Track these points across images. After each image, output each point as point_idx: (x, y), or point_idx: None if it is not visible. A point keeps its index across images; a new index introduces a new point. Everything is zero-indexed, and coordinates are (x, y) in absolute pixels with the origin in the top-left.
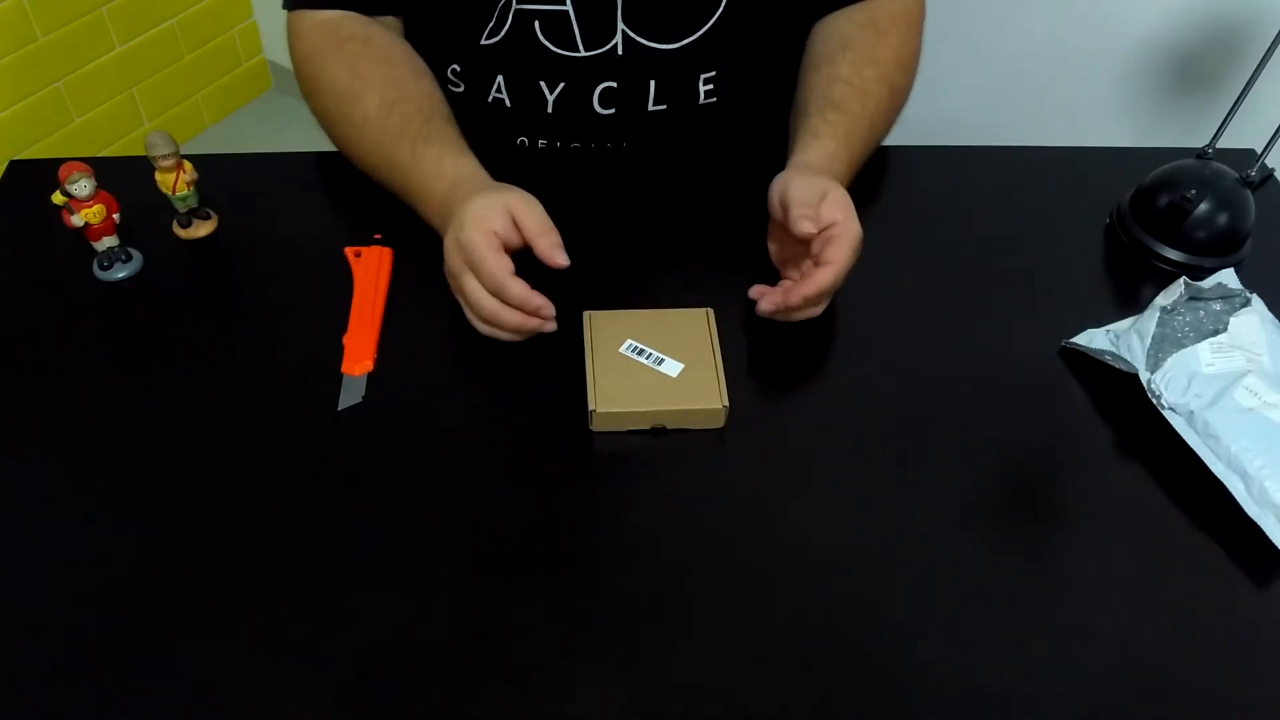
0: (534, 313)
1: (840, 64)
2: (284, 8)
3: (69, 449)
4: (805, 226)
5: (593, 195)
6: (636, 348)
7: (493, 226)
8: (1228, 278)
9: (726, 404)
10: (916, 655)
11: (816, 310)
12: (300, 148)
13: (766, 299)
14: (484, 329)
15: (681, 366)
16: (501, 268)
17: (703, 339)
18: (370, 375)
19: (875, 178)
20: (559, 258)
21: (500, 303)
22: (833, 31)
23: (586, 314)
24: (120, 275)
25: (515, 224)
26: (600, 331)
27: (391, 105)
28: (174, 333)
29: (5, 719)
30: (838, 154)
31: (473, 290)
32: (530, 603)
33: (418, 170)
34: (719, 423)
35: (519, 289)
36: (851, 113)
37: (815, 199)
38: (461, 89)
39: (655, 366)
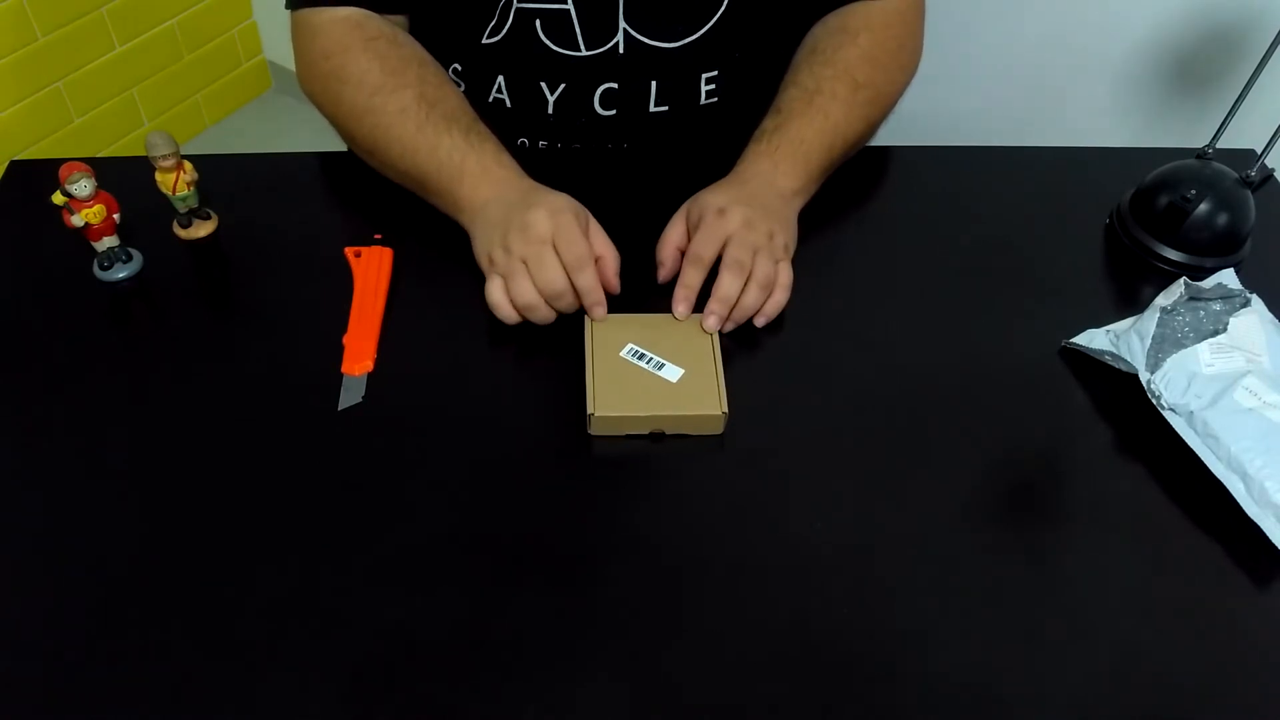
0: (591, 306)
1: (800, 70)
2: (287, 8)
3: (68, 449)
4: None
5: (593, 197)
6: (637, 352)
7: (582, 217)
8: (1228, 278)
9: (726, 410)
10: (916, 656)
11: (694, 275)
12: (300, 148)
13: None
14: (522, 303)
15: (682, 372)
16: (590, 251)
17: (703, 345)
18: (370, 375)
19: (875, 178)
20: (616, 283)
21: (568, 282)
22: (808, 39)
23: (587, 317)
24: (120, 275)
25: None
26: (601, 335)
27: (434, 102)
28: (174, 333)
29: (5, 718)
30: (771, 157)
31: (550, 264)
32: (529, 604)
33: (474, 152)
34: (718, 429)
35: (592, 276)
36: (793, 113)
37: (712, 217)
38: (462, 89)
39: (655, 371)
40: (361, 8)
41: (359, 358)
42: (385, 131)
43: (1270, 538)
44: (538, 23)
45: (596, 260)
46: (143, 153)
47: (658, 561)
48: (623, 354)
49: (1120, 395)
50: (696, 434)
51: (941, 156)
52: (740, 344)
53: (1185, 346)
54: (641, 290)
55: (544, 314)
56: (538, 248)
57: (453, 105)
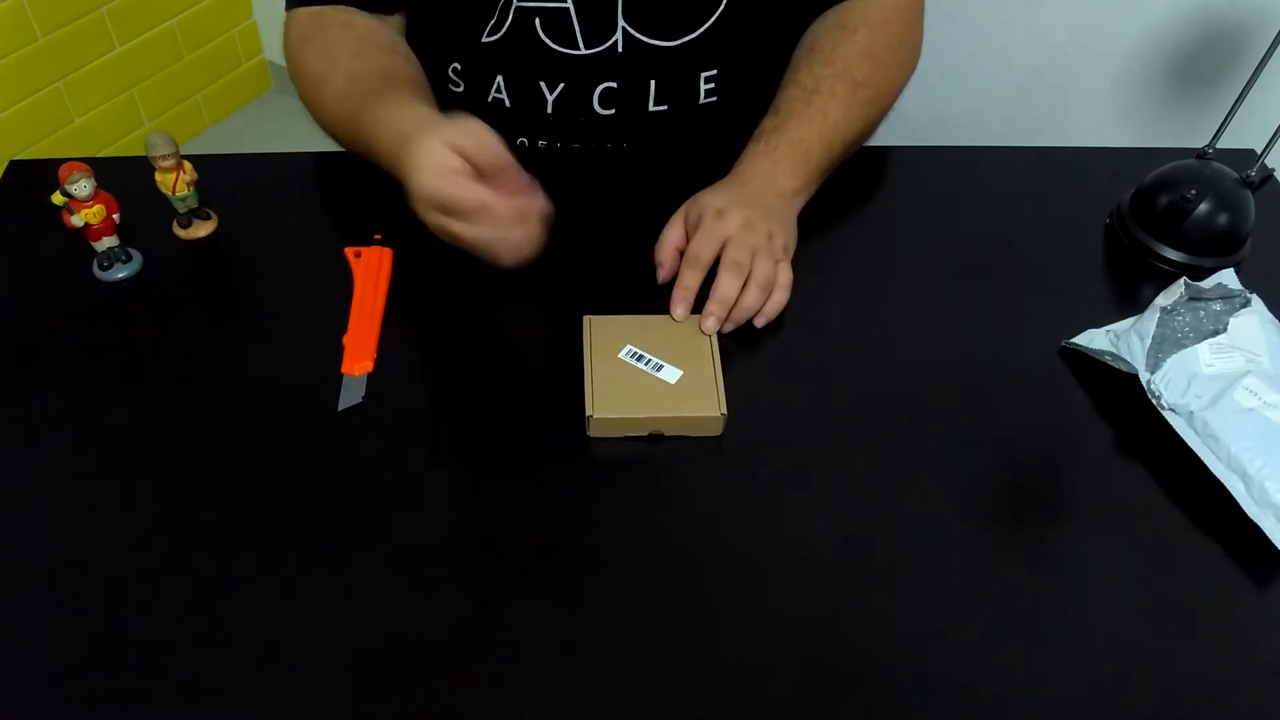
0: (526, 207)
1: (799, 69)
2: (286, 9)
3: (69, 449)
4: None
5: (593, 197)
6: (636, 353)
7: (450, 165)
8: (1228, 278)
9: (725, 412)
10: (917, 657)
11: (693, 276)
12: (300, 148)
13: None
14: (492, 249)
15: (680, 373)
16: (478, 194)
17: (702, 346)
18: (370, 375)
19: (876, 178)
20: (539, 198)
21: (497, 220)
22: (807, 37)
23: (586, 318)
24: (120, 275)
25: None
26: (600, 336)
27: (356, 77)
28: (174, 333)
29: (5, 718)
30: (770, 157)
31: (464, 231)
32: (529, 604)
33: (375, 128)
34: (717, 430)
35: (507, 204)
36: (793, 113)
37: (711, 218)
38: (462, 89)
39: (654, 373)
40: (349, 5)
41: (359, 358)
42: (331, 125)
43: (1270, 538)
44: (537, 21)
45: (497, 177)
46: (143, 153)
47: (658, 561)
48: (621, 355)
49: (1120, 395)
50: (695, 435)
51: (941, 156)
52: (740, 344)
53: (1185, 346)
54: (640, 291)
55: (505, 245)
56: (434, 218)
57: (372, 78)
